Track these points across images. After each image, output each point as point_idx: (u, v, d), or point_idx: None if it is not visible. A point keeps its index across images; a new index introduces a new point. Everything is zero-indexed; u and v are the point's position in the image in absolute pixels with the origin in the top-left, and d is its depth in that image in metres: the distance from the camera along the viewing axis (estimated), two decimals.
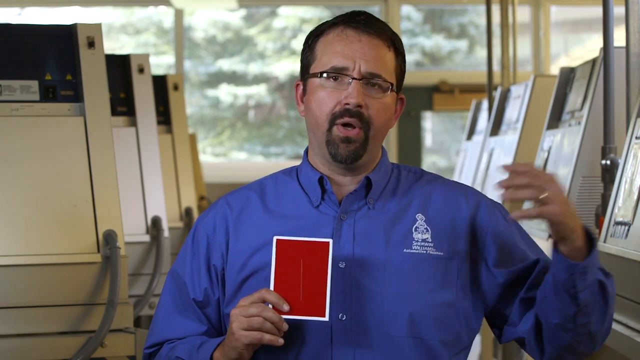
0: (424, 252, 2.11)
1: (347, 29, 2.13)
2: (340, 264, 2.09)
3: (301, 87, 2.19)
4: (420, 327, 2.08)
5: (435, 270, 2.11)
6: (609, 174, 3.49)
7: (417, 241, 2.12)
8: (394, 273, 2.09)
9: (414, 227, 2.13)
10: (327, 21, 2.18)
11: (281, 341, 1.98)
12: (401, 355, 2.07)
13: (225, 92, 11.23)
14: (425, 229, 2.13)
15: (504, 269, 2.15)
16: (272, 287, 2.00)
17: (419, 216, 2.14)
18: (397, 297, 2.08)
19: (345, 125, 2.09)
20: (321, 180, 2.15)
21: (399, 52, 2.17)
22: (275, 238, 2.02)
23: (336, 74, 2.10)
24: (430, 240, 2.12)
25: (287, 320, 1.99)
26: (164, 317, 2.20)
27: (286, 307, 1.98)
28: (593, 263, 2.00)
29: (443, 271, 2.11)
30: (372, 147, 2.13)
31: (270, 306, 1.99)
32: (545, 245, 3.99)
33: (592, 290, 2.02)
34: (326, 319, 1.98)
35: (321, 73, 2.12)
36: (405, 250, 2.11)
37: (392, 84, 2.13)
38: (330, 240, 2.00)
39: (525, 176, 1.94)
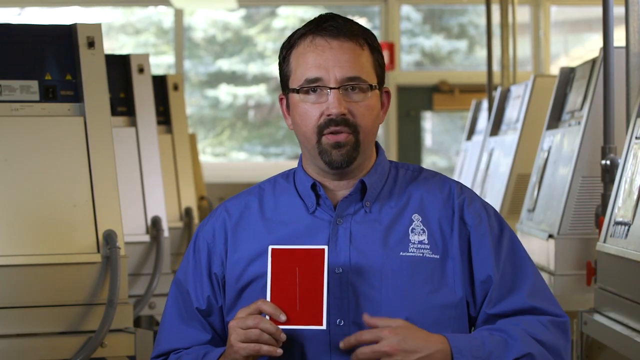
0: (421, 254, 2.09)
1: (315, 38, 2.10)
2: (336, 270, 2.07)
3: (285, 101, 2.18)
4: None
5: (432, 272, 2.09)
6: (609, 174, 3.49)
7: (414, 243, 2.11)
8: (391, 277, 2.08)
9: (410, 228, 2.12)
10: (296, 31, 2.15)
11: (280, 351, 1.98)
12: None
13: (225, 92, 11.24)
14: (421, 229, 2.12)
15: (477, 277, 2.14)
16: (268, 298, 1.99)
17: (415, 217, 2.13)
18: (395, 301, 2.07)
19: (332, 133, 2.08)
20: (314, 186, 2.15)
21: (374, 48, 2.14)
22: (270, 247, 2.01)
23: (313, 86, 2.08)
24: (426, 242, 2.11)
25: (284, 330, 1.98)
26: (169, 327, 2.20)
27: (283, 318, 1.97)
28: None
29: (440, 273, 2.10)
30: (365, 148, 2.12)
31: (267, 317, 1.98)
32: (544, 245, 4.00)
33: None
34: (324, 327, 1.97)
35: (298, 90, 2.10)
36: (401, 253, 2.09)
37: (371, 85, 2.11)
38: (326, 247, 1.99)
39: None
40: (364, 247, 2.09)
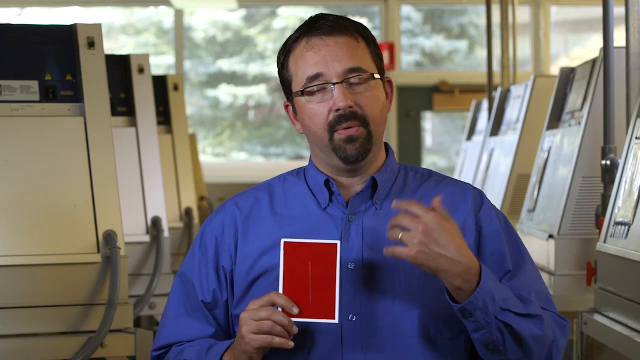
0: None
1: (311, 39, 2.11)
2: (349, 265, 2.08)
3: (291, 107, 2.19)
4: (430, 326, 2.08)
5: None
6: (609, 174, 3.49)
7: None
8: (403, 273, 2.08)
9: None
10: (290, 36, 2.16)
11: (291, 344, 1.98)
12: (412, 355, 2.07)
13: (225, 92, 11.24)
14: None
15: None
16: (280, 290, 2.00)
17: None
18: (407, 297, 2.07)
19: (344, 128, 2.09)
20: (327, 182, 2.15)
21: (369, 40, 2.15)
22: (282, 240, 2.01)
23: (316, 85, 2.09)
24: None
25: (296, 322, 1.99)
26: (172, 319, 2.20)
27: (295, 310, 1.98)
28: (477, 304, 1.97)
29: None
30: (377, 140, 2.13)
31: (279, 309, 1.99)
32: (544, 245, 4.00)
33: (489, 331, 2.00)
34: (335, 321, 1.98)
35: (302, 91, 2.11)
36: None
37: (372, 74, 2.11)
38: (338, 242, 1.99)
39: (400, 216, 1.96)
40: (376, 244, 2.10)
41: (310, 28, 2.12)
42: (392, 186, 2.17)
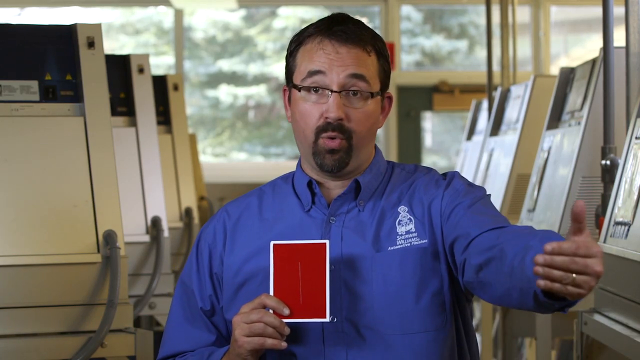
0: (409, 244, 2.11)
1: (324, 41, 2.12)
2: (330, 267, 2.09)
3: (288, 93, 2.21)
4: (411, 322, 2.09)
5: (422, 260, 2.11)
6: (609, 174, 3.49)
7: (401, 235, 2.12)
8: (381, 273, 2.10)
9: (397, 220, 2.14)
10: (307, 27, 2.17)
11: (284, 344, 2.00)
12: (394, 352, 2.08)
13: (225, 93, 11.24)
14: (408, 219, 2.14)
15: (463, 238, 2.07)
16: (271, 292, 2.02)
17: (402, 208, 2.15)
18: (386, 296, 2.09)
19: (329, 137, 2.11)
20: (310, 184, 2.17)
21: (381, 54, 2.16)
22: (272, 243, 2.03)
23: (314, 86, 2.11)
24: (414, 231, 2.13)
25: (288, 323, 2.00)
26: (175, 328, 2.23)
27: (286, 311, 2.00)
28: None
29: (430, 259, 2.11)
30: (358, 153, 2.14)
31: (271, 311, 2.00)
32: None
33: None
34: (327, 320, 2.00)
35: (301, 88, 2.13)
36: (390, 248, 2.11)
37: (372, 93, 2.13)
38: (327, 242, 2.01)
39: (564, 257, 1.70)
40: (355, 245, 2.12)
41: (328, 31, 2.13)
42: (377, 187, 2.18)
